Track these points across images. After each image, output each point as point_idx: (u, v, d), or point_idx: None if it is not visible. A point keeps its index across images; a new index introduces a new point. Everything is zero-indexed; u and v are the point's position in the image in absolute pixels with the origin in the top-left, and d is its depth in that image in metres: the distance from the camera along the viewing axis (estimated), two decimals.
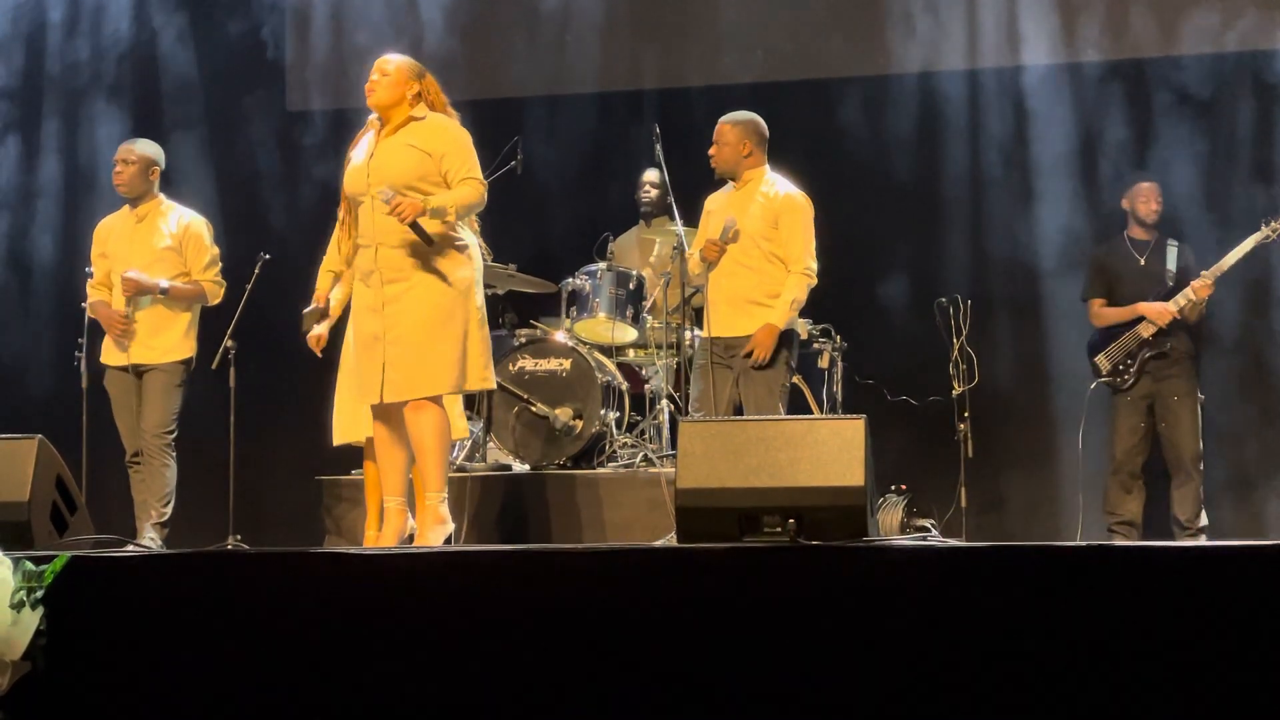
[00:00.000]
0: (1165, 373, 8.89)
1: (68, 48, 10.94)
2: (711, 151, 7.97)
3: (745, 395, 7.86)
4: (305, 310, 7.41)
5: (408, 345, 6.61)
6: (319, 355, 7.65)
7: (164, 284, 8.31)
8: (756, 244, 7.85)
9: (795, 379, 8.34)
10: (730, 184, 8.02)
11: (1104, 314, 9.07)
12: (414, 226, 6.54)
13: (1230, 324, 9.43)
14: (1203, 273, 8.84)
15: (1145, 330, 8.90)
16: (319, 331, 7.60)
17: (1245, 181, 9.57)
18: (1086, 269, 9.29)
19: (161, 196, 8.57)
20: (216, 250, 8.54)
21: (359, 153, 6.81)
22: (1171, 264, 8.96)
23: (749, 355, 7.81)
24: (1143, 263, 9.04)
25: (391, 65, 6.80)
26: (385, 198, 6.53)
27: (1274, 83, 9.63)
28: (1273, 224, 8.79)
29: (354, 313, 6.90)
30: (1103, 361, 9.00)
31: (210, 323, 8.47)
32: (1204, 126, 9.62)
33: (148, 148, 8.58)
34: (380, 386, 6.65)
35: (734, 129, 7.92)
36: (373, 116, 6.84)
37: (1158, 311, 8.87)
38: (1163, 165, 9.44)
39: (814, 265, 7.90)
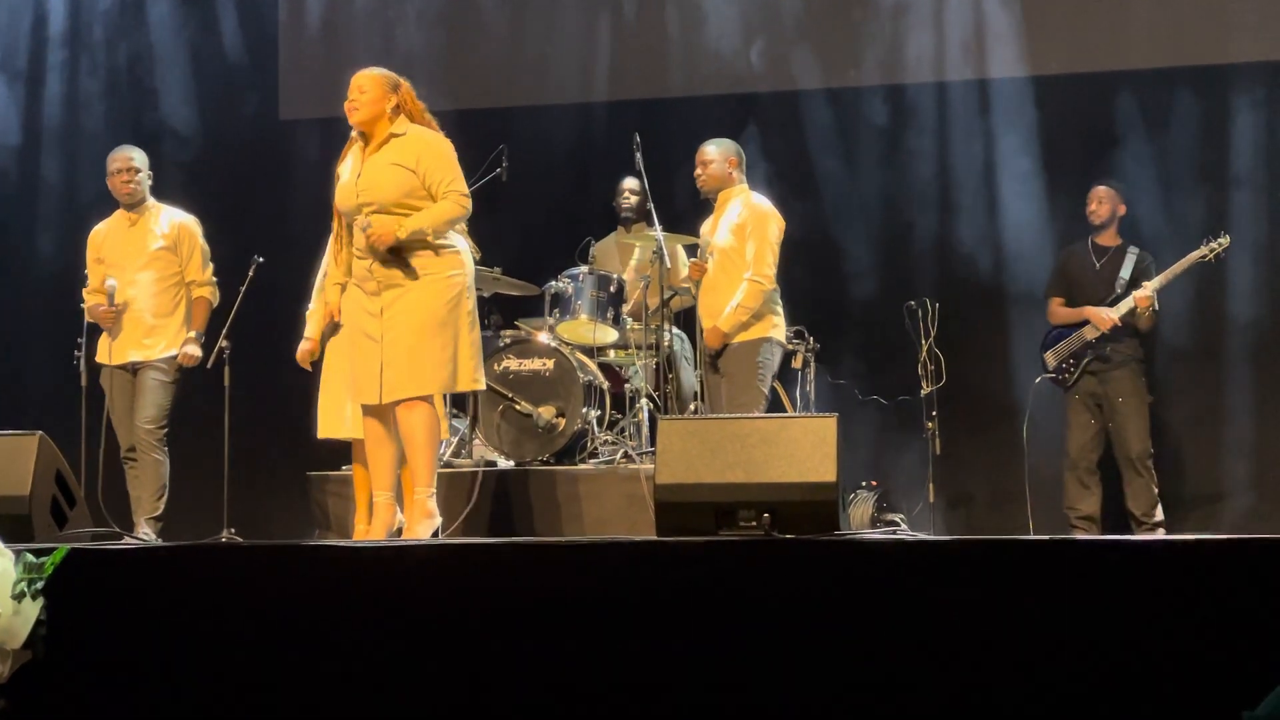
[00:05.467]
0: (1109, 375, 9.03)
1: (65, 54, 10.99)
2: (696, 173, 8.37)
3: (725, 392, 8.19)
4: (322, 328, 7.54)
5: (403, 347, 6.75)
6: (309, 369, 7.79)
7: (196, 334, 8.52)
8: (732, 260, 8.21)
9: (773, 381, 8.50)
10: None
11: (1058, 313, 9.22)
12: (392, 251, 6.73)
13: (1187, 329, 9.56)
14: (1144, 284, 9.00)
15: (1089, 333, 9.05)
16: (315, 341, 7.77)
17: (1201, 193, 9.66)
18: (1051, 268, 9.46)
19: (152, 199, 8.69)
20: (208, 247, 8.69)
21: (346, 170, 6.94)
22: (1126, 271, 9.07)
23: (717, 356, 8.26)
24: (1098, 267, 9.17)
25: (368, 82, 6.90)
26: (363, 227, 6.71)
27: (1226, 96, 9.74)
28: (1212, 244, 8.94)
29: (345, 315, 7.01)
30: (1049, 358, 9.16)
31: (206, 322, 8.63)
32: (1162, 138, 9.69)
33: (142, 154, 8.71)
34: (379, 389, 6.79)
35: (717, 150, 8.36)
36: (355, 131, 6.96)
37: (1100, 317, 9.02)
38: (1122, 176, 9.52)
39: (768, 274, 8.20)
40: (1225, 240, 8.92)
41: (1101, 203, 9.20)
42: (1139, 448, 8.96)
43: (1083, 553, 4.91)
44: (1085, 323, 9.09)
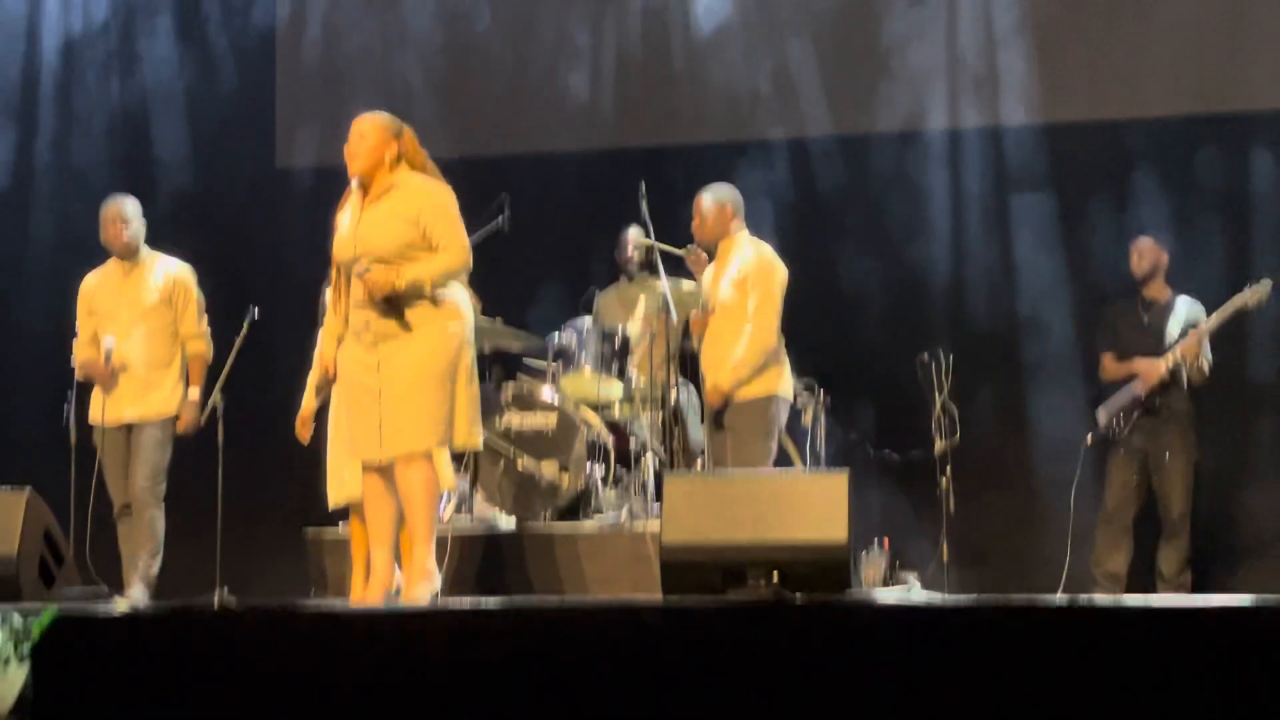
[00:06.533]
0: (1158, 430, 8.89)
1: (57, 98, 10.97)
2: (694, 225, 8.27)
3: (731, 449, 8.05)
4: (317, 384, 7.44)
5: (400, 402, 6.61)
6: (305, 443, 7.68)
7: (193, 395, 8.43)
8: (734, 314, 8.11)
9: (781, 437, 8.39)
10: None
11: (1109, 368, 9.09)
12: (388, 302, 6.60)
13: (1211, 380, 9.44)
14: (1190, 332, 8.87)
15: (1139, 387, 8.92)
16: (309, 412, 7.69)
17: (1222, 242, 9.59)
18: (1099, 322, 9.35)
19: (146, 249, 8.60)
20: (203, 299, 8.60)
21: (345, 220, 6.81)
22: (1175, 324, 8.95)
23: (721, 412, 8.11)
24: (1145, 321, 9.06)
25: (369, 128, 6.74)
26: (359, 272, 6.58)
27: (1247, 144, 9.67)
28: (1255, 287, 8.81)
29: (343, 367, 6.85)
30: (1101, 415, 9.03)
31: None
32: (1181, 187, 9.64)
33: (135, 203, 8.63)
34: (379, 444, 6.66)
35: (712, 200, 8.26)
36: (355, 181, 6.82)
37: (1146, 368, 8.91)
38: (1140, 225, 9.44)
39: (771, 327, 8.08)
40: (1268, 283, 8.78)
41: (1143, 256, 9.09)
42: (1181, 507, 8.84)
43: (1103, 616, 4.83)
44: (1134, 377, 8.95)
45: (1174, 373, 8.85)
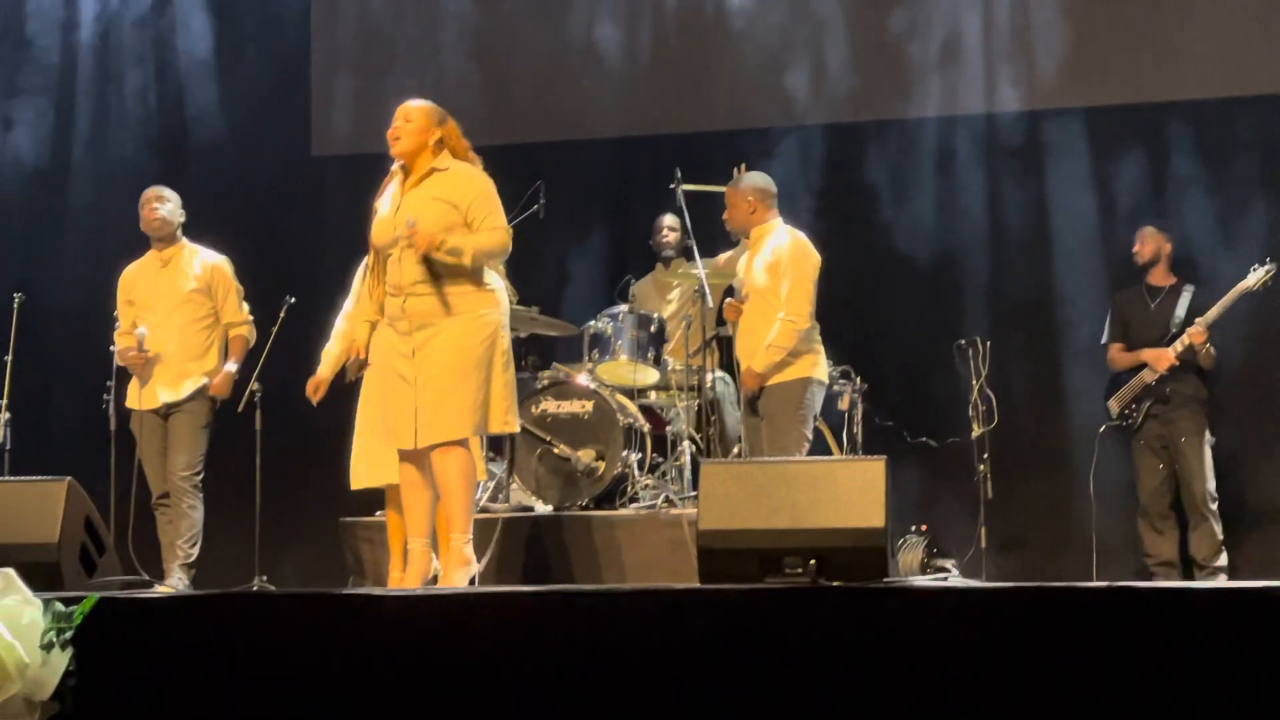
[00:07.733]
0: (1170, 416, 8.91)
1: (95, 89, 11.00)
2: (725, 216, 8.29)
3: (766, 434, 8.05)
4: (348, 362, 7.45)
5: (436, 389, 6.62)
6: (315, 404, 7.71)
7: (230, 367, 8.48)
8: (766, 299, 8.09)
9: (817, 422, 8.38)
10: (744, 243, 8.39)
11: (1117, 359, 9.11)
12: (426, 259, 6.60)
13: (1245, 361, 9.40)
14: (1196, 320, 8.86)
15: (1148, 375, 8.93)
16: (325, 378, 7.72)
17: (1260, 225, 9.54)
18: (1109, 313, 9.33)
19: (184, 240, 8.64)
20: (241, 286, 8.63)
21: (385, 204, 6.83)
22: (1181, 310, 8.96)
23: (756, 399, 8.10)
24: (1153, 308, 9.05)
25: (414, 112, 6.80)
26: (408, 223, 6.58)
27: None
28: (1259, 272, 8.78)
29: (376, 356, 6.87)
30: (1113, 405, 9.05)
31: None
32: (1219, 169, 9.59)
33: (174, 193, 8.67)
34: (414, 432, 6.68)
35: (738, 192, 8.26)
36: (396, 165, 6.87)
37: (1155, 357, 8.90)
38: (1177, 208, 9.43)
39: (803, 312, 8.04)
40: (1271, 268, 8.77)
41: (1145, 243, 9.12)
42: (1201, 490, 8.85)
43: (1139, 601, 4.77)
44: (1144, 366, 8.94)
45: (1183, 359, 8.85)
